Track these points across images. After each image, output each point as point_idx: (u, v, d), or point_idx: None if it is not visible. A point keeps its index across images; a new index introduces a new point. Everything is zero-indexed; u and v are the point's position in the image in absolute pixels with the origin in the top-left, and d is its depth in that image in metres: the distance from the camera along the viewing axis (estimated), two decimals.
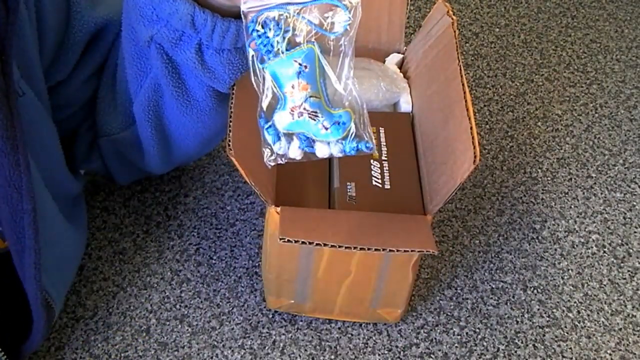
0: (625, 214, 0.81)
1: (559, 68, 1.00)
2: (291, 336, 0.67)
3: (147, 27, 0.52)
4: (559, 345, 0.68)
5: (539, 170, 0.85)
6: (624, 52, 1.03)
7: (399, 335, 0.68)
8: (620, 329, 0.70)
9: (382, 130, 0.69)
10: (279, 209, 0.57)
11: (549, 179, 0.84)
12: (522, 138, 0.89)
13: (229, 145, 0.53)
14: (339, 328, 0.68)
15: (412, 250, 0.55)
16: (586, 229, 0.79)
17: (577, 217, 0.80)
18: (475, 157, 0.52)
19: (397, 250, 0.55)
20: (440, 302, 0.71)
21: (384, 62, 0.77)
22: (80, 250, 0.66)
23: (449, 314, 0.70)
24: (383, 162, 0.66)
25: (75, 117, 0.65)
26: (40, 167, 0.55)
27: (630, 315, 0.71)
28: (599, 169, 0.86)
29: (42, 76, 0.56)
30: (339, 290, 0.64)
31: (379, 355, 0.66)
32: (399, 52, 0.77)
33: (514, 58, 1.01)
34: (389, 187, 0.64)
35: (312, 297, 0.65)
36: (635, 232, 0.79)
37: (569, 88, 0.97)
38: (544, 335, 0.69)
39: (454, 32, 0.64)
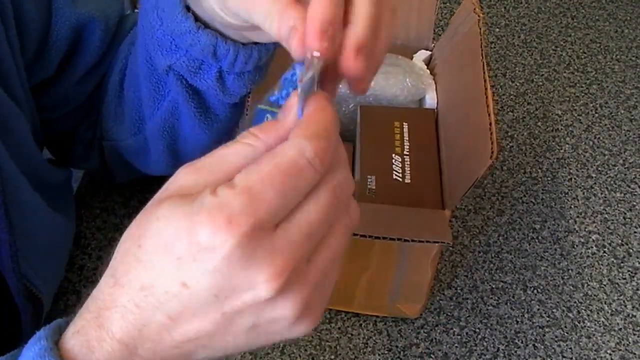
0: (625, 214, 0.81)
1: (559, 68, 1.00)
2: None
3: (165, 56, 0.51)
4: (559, 345, 0.68)
5: (539, 170, 0.85)
6: (624, 52, 1.03)
7: (399, 335, 0.68)
8: (620, 329, 0.70)
9: (405, 125, 0.70)
10: None
11: (549, 179, 0.84)
12: (522, 138, 0.89)
13: None
14: (339, 328, 0.68)
15: (427, 241, 0.56)
16: (586, 229, 0.79)
17: (577, 217, 0.80)
18: (492, 153, 0.52)
19: (412, 241, 0.56)
20: (440, 302, 0.71)
21: (411, 58, 0.77)
22: (69, 239, 0.66)
23: (449, 314, 0.70)
24: (405, 156, 0.67)
25: (72, 116, 0.65)
26: (18, 159, 0.54)
27: (630, 315, 0.71)
28: (599, 169, 0.86)
29: (14, 72, 0.54)
30: (358, 282, 0.64)
31: (379, 355, 0.66)
32: (427, 49, 0.77)
33: (514, 58, 1.01)
34: (409, 181, 0.65)
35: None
36: (635, 232, 0.79)
37: (569, 88, 0.97)
38: (544, 335, 0.69)
39: (479, 29, 0.64)
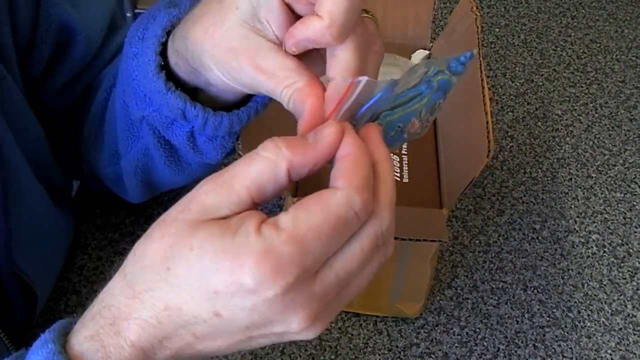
0: (625, 214, 0.81)
1: (559, 68, 1.00)
2: None
3: (138, 106, 0.51)
4: (559, 345, 0.68)
5: (539, 170, 0.85)
6: (624, 52, 1.03)
7: (399, 335, 0.68)
8: (620, 329, 0.70)
9: None
10: (295, 199, 0.57)
11: (549, 179, 0.84)
12: (522, 138, 0.89)
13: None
14: (339, 328, 0.68)
15: (424, 240, 0.56)
16: (586, 229, 0.79)
17: (577, 217, 0.80)
18: (488, 151, 0.53)
19: (410, 239, 0.56)
20: (440, 302, 0.71)
21: (409, 58, 0.77)
22: (68, 236, 0.66)
23: (449, 314, 0.70)
24: (403, 156, 0.67)
25: (49, 126, 0.65)
26: (26, 151, 0.54)
27: (630, 315, 0.71)
28: (599, 169, 0.86)
29: (13, 55, 0.54)
30: None
31: (379, 355, 0.66)
32: (424, 49, 0.77)
33: (514, 58, 1.01)
34: (407, 180, 0.65)
35: None
36: (635, 232, 0.79)
37: (569, 88, 0.97)
38: (544, 335, 0.69)
39: (477, 28, 0.64)
